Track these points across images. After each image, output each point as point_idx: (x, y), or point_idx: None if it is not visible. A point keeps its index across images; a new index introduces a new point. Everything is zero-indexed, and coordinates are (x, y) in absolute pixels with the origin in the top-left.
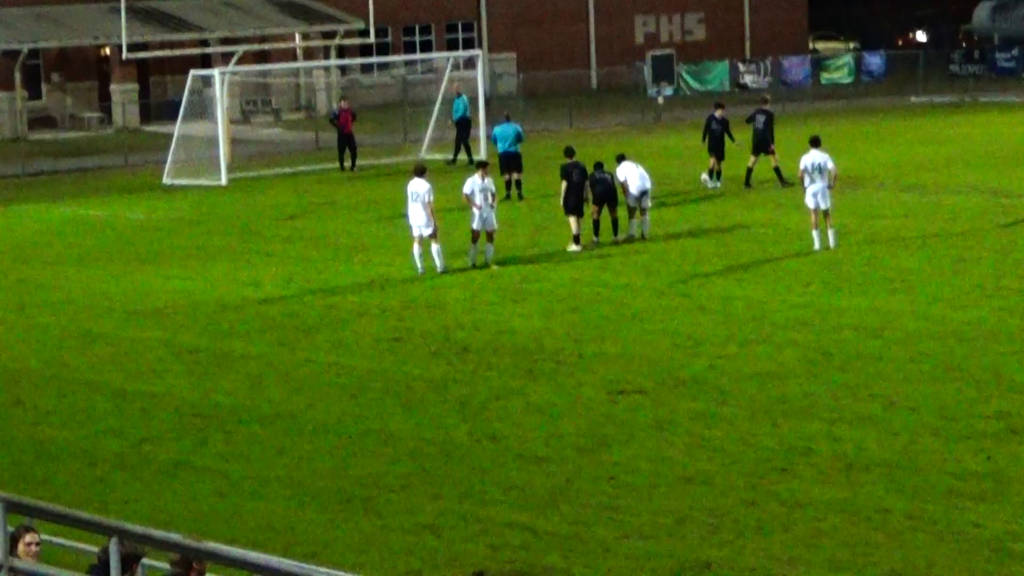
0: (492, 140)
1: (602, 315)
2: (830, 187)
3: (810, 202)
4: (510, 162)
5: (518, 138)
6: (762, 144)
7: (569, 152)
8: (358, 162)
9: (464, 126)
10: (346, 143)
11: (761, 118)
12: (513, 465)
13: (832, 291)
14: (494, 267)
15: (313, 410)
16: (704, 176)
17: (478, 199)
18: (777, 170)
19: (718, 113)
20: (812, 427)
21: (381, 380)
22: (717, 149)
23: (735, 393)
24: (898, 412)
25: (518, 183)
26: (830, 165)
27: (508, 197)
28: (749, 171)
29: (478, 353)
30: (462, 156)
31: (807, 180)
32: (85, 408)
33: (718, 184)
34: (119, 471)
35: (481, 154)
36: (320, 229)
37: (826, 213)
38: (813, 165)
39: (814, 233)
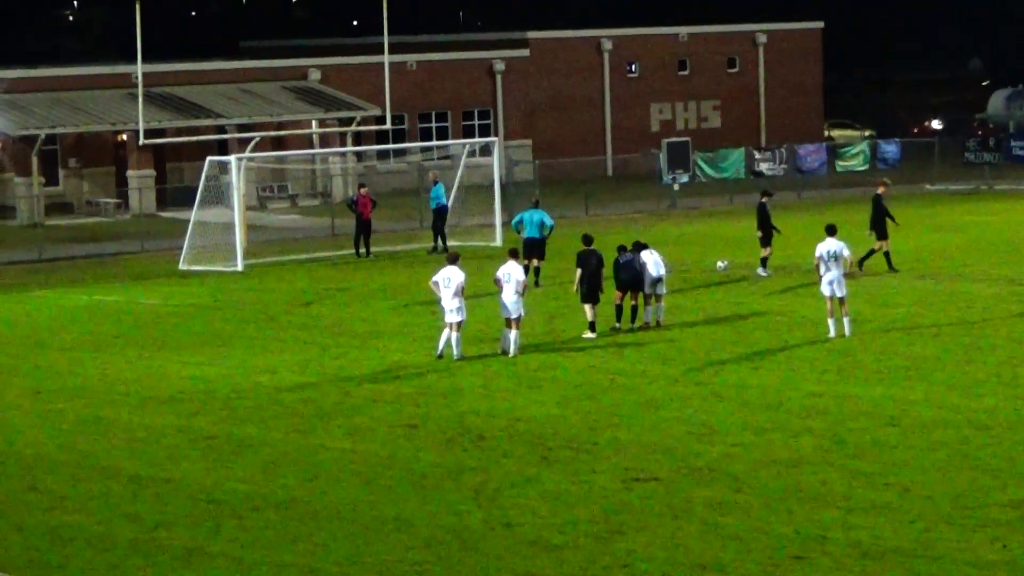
0: (514, 226)
1: (617, 403)
2: (846, 275)
3: (826, 290)
4: (533, 248)
5: (542, 225)
6: (873, 227)
7: (587, 240)
8: (373, 249)
9: (441, 213)
10: (363, 230)
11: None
12: (528, 553)
13: (847, 379)
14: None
15: (328, 497)
16: (720, 263)
17: (507, 286)
18: (884, 254)
19: (765, 199)
20: (827, 515)
21: (396, 467)
22: (768, 237)
23: (750, 481)
24: (913, 500)
25: (537, 270)
26: (846, 253)
27: None
28: (886, 255)
29: (493, 440)
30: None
31: (823, 268)
32: (100, 494)
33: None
34: (133, 557)
35: (498, 240)
36: (335, 316)
37: (841, 301)
38: (829, 253)
39: (830, 321)
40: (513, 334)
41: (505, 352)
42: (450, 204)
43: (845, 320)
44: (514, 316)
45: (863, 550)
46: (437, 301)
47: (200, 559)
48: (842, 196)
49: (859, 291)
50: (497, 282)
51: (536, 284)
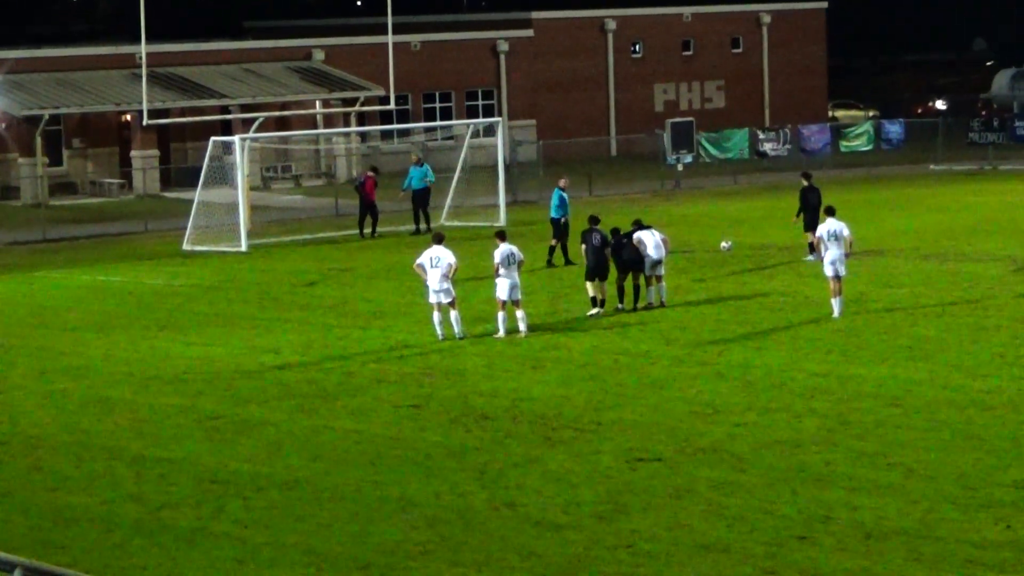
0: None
1: (621, 382)
2: (847, 255)
3: (828, 270)
4: (554, 228)
5: (559, 205)
6: None
7: (593, 220)
8: (378, 228)
9: (423, 195)
10: (368, 210)
11: None
12: (531, 533)
13: (851, 359)
14: (522, 335)
15: (331, 477)
16: (724, 243)
17: (502, 268)
18: None
19: (809, 183)
20: (831, 495)
21: (400, 447)
22: (815, 222)
23: (754, 461)
24: (917, 481)
25: (564, 249)
26: (846, 233)
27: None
28: None
29: (497, 420)
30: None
31: (823, 248)
32: (104, 474)
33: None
34: (137, 537)
35: (501, 220)
36: (339, 296)
37: (838, 279)
38: (829, 233)
39: (833, 301)
40: (503, 315)
41: (512, 332)
42: (452, 185)
43: (839, 298)
44: (510, 298)
45: (867, 530)
46: (423, 283)
47: (204, 539)
48: (846, 176)
49: (863, 271)
50: (496, 267)
51: (567, 263)
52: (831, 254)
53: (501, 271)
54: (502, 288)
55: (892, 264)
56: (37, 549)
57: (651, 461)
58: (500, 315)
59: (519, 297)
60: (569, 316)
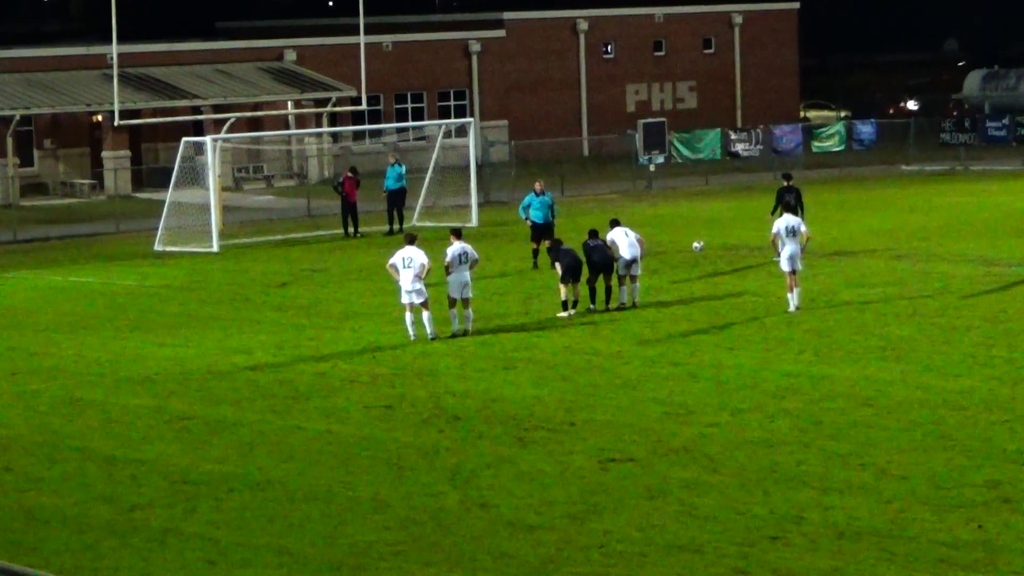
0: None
1: (593, 383)
2: (802, 249)
3: (785, 265)
4: (542, 232)
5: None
6: None
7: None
8: (358, 228)
9: (398, 195)
10: (349, 210)
11: None
12: (504, 533)
13: (823, 359)
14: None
15: (304, 477)
16: (697, 244)
17: (454, 266)
18: None
19: (788, 183)
20: (803, 496)
21: (372, 448)
22: None
23: (726, 461)
24: (889, 481)
25: (535, 252)
26: (803, 228)
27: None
28: None
29: (469, 421)
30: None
31: (780, 244)
32: (75, 475)
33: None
34: (109, 538)
35: (473, 220)
36: (311, 296)
37: (794, 272)
38: (788, 228)
39: (789, 296)
40: (454, 311)
41: (457, 333)
42: (425, 186)
43: (796, 290)
44: (461, 296)
45: (839, 530)
46: (395, 283)
47: (175, 540)
48: (818, 177)
49: (834, 271)
50: (448, 265)
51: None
52: (788, 249)
53: (452, 269)
54: (454, 286)
55: (864, 264)
56: (8, 550)
57: (623, 461)
58: (452, 312)
59: (470, 295)
60: (541, 317)
